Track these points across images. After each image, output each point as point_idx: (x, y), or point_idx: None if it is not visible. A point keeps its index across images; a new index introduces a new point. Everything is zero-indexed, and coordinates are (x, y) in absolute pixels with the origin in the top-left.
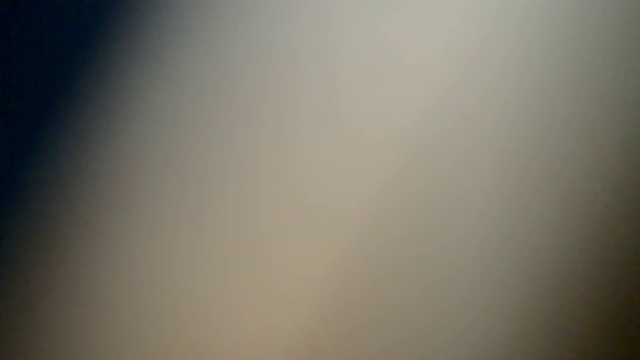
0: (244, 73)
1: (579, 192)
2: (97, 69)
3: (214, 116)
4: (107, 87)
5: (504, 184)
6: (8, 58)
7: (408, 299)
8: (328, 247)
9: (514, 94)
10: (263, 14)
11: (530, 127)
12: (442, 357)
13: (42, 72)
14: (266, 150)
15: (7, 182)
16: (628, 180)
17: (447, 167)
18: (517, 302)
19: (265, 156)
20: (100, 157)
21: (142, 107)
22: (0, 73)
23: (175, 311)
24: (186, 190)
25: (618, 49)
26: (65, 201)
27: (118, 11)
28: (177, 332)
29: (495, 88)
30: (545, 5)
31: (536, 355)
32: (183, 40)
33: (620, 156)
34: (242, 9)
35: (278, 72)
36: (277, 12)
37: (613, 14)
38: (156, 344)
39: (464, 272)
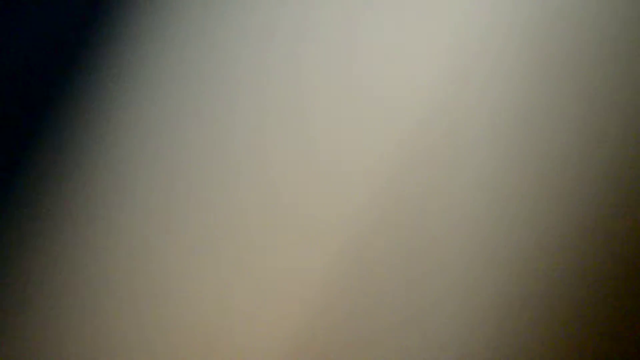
0: (241, 72)
1: (574, 199)
2: (98, 66)
3: (212, 113)
4: (108, 84)
5: (500, 186)
6: (6, 56)
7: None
8: (322, 250)
9: (507, 97)
10: (267, 12)
11: (525, 132)
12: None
13: (40, 70)
14: (265, 152)
15: (6, 181)
16: (626, 183)
17: (442, 170)
18: (512, 300)
19: (264, 157)
20: (102, 155)
21: (141, 105)
22: None
23: (178, 309)
24: (183, 187)
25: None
26: (66, 200)
27: (119, 7)
28: (179, 329)
29: (488, 95)
30: (539, 13)
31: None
32: (180, 38)
33: (613, 163)
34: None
35: (280, 71)
36: (282, 11)
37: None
38: (158, 343)
39: (459, 265)
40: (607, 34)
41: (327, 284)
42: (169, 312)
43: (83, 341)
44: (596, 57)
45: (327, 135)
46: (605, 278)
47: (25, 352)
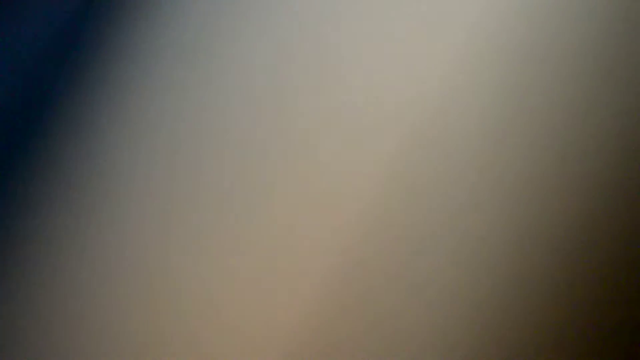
0: (234, 75)
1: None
2: (91, 68)
3: (212, 112)
4: (102, 87)
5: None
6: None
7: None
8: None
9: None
10: (262, 15)
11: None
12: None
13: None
14: (262, 150)
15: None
16: (624, 192)
17: (437, 175)
18: (509, 303)
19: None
20: (99, 156)
21: (138, 106)
22: None
23: (176, 309)
24: (181, 187)
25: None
26: (63, 200)
27: (112, 11)
28: (178, 329)
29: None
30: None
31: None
32: (175, 40)
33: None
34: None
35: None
36: (275, 14)
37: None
38: (156, 342)
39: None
40: (618, 33)
41: (326, 286)
42: (173, 310)
43: (85, 342)
44: (601, 55)
45: (319, 136)
46: (603, 277)
47: (26, 353)
